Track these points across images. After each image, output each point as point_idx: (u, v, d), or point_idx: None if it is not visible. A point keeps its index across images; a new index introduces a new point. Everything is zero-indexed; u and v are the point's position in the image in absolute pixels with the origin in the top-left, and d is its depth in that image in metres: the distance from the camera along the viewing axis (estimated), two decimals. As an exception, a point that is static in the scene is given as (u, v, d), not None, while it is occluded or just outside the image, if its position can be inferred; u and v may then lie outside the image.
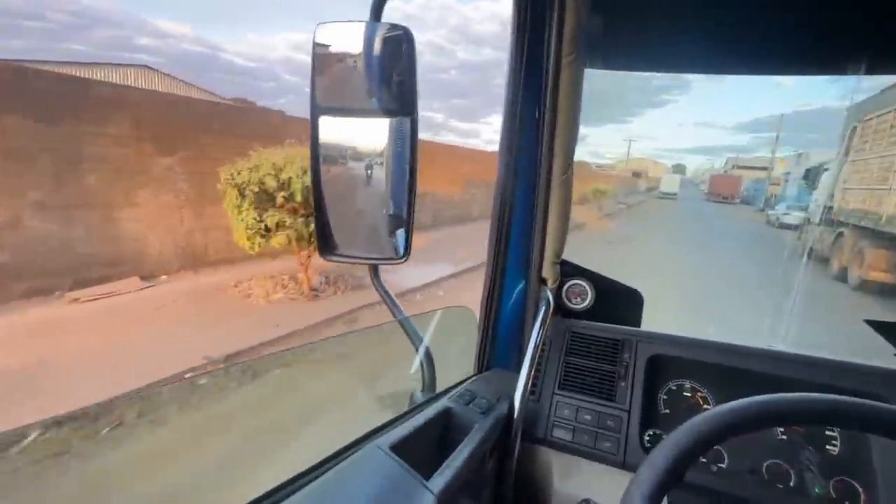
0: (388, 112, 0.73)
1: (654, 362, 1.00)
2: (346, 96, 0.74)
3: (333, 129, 0.75)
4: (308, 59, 0.70)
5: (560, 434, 0.95)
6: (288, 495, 0.56)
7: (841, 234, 8.10)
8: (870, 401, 0.51)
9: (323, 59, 0.70)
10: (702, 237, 15.53)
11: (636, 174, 47.94)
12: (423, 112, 0.71)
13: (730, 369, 0.94)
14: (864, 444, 0.83)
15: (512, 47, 0.92)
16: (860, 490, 0.80)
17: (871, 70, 0.96)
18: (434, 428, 0.79)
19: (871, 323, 1.02)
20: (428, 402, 0.86)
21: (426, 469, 0.64)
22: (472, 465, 0.72)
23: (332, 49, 0.71)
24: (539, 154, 0.97)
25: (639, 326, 1.11)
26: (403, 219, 0.75)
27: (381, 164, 0.77)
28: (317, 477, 0.60)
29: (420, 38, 0.72)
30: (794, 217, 14.99)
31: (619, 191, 29.54)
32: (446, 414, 0.83)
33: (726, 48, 1.06)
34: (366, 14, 0.72)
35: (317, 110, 0.73)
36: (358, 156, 0.80)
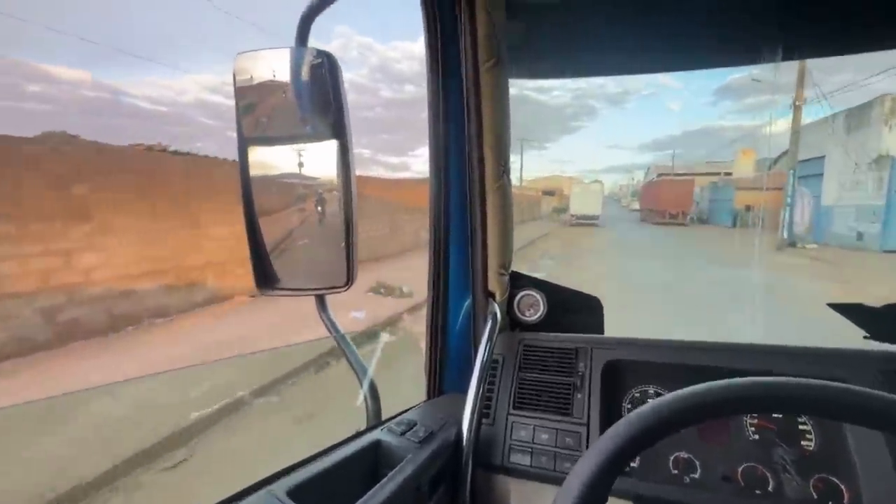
0: (317, 137, 0.72)
1: (613, 369, 0.92)
2: (273, 124, 0.72)
3: (263, 158, 0.73)
4: (226, 101, 0.68)
5: (518, 459, 0.86)
6: None
7: None
8: (809, 380, 0.44)
9: (245, 89, 0.69)
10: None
11: (547, 192, 41.80)
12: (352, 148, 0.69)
13: (695, 368, 0.87)
14: (840, 435, 0.76)
15: (428, 59, 0.91)
16: (842, 487, 0.73)
17: (788, 56, 1.00)
18: (358, 464, 0.71)
19: (834, 306, 0.94)
20: (354, 437, 0.78)
21: None
22: (399, 502, 0.65)
23: (254, 78, 0.69)
24: (470, 163, 0.94)
25: (601, 334, 1.03)
26: (344, 244, 0.73)
27: (318, 190, 0.76)
28: None
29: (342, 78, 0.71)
30: None
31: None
32: (375, 447, 0.75)
33: (650, 47, 1.06)
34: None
35: (244, 141, 0.71)
36: (293, 184, 0.78)
